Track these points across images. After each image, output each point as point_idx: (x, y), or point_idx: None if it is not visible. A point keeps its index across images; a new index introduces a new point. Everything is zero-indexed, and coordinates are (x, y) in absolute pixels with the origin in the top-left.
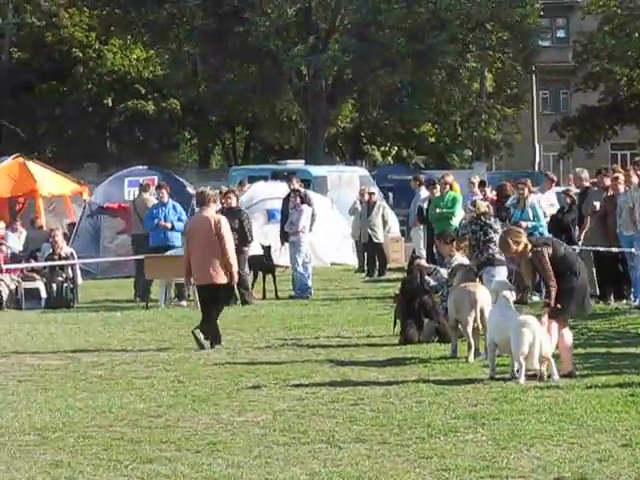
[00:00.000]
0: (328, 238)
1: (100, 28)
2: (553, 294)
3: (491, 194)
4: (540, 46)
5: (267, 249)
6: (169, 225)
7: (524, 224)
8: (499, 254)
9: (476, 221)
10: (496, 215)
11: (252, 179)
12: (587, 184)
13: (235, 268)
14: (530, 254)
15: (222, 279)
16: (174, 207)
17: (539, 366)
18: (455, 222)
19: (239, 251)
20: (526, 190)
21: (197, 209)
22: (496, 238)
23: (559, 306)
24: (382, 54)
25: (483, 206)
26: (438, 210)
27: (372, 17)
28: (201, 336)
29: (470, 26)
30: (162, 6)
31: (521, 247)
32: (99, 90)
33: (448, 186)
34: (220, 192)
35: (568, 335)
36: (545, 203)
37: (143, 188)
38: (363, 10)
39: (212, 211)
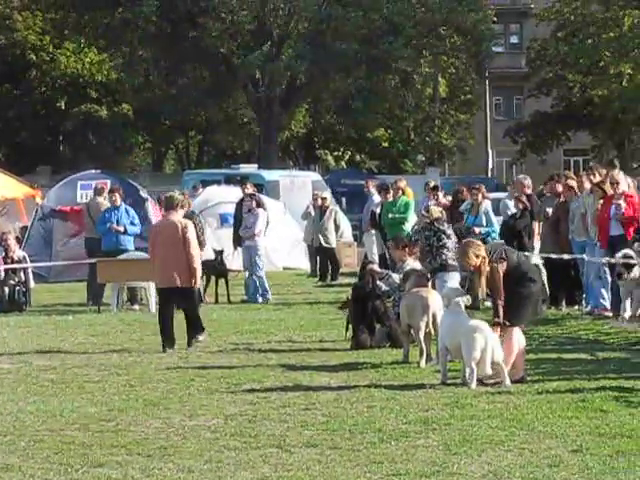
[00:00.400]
0: (281, 243)
1: (54, 32)
2: (501, 311)
3: (444, 199)
4: (493, 52)
5: (219, 253)
6: (122, 229)
7: (477, 230)
8: (452, 260)
9: (429, 227)
10: (450, 220)
11: (205, 183)
12: (529, 191)
13: (199, 272)
14: (486, 269)
15: (185, 282)
16: (127, 211)
17: (491, 371)
18: (407, 227)
19: None
20: (480, 196)
21: (164, 212)
22: (449, 244)
23: (507, 323)
24: (336, 60)
25: (436, 212)
26: (390, 215)
27: (326, 24)
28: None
29: (424, 31)
30: (116, 10)
31: (479, 260)
32: (52, 93)
33: (400, 191)
34: None
35: (521, 340)
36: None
37: (97, 192)
38: (317, 16)
39: (179, 215)
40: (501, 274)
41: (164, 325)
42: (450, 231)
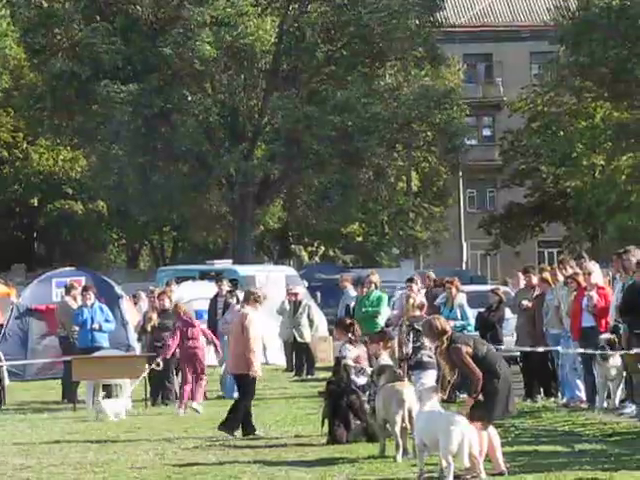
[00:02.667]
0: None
1: (27, 129)
2: (479, 387)
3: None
4: (466, 145)
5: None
6: (97, 326)
7: (452, 323)
8: (428, 357)
9: (408, 326)
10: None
11: (180, 279)
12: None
13: (255, 362)
14: (449, 350)
15: (243, 369)
16: (100, 308)
17: (468, 464)
18: (381, 321)
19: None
20: (454, 289)
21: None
22: (426, 342)
23: (481, 398)
24: (310, 157)
25: (416, 308)
26: (364, 309)
27: (303, 123)
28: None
29: (397, 126)
30: (90, 108)
31: (445, 337)
32: (26, 190)
33: (373, 285)
34: (152, 292)
35: (494, 435)
36: None
37: (67, 290)
38: (293, 116)
39: (248, 308)
40: (464, 354)
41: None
42: None
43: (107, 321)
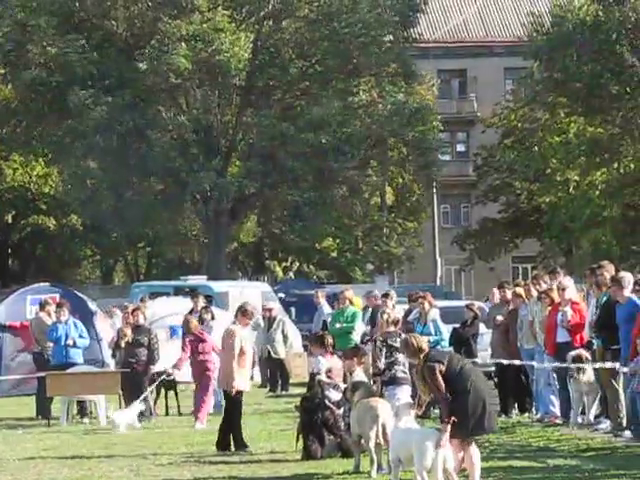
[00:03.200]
0: None
1: (0, 146)
2: (445, 408)
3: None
4: (440, 161)
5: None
6: (71, 342)
7: (425, 339)
8: (402, 372)
9: (382, 342)
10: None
11: (154, 295)
12: (379, 302)
13: (238, 378)
14: (423, 366)
15: (226, 386)
16: (75, 324)
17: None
18: (355, 337)
19: (146, 370)
20: (427, 304)
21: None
22: (400, 358)
23: (454, 419)
24: (284, 173)
25: (390, 324)
26: (338, 325)
27: (279, 141)
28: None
29: (371, 143)
30: (64, 122)
31: (422, 355)
32: None
33: (347, 301)
34: (126, 308)
35: (475, 452)
36: None
37: (41, 307)
38: (269, 133)
39: (236, 324)
40: (438, 373)
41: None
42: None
43: (81, 337)
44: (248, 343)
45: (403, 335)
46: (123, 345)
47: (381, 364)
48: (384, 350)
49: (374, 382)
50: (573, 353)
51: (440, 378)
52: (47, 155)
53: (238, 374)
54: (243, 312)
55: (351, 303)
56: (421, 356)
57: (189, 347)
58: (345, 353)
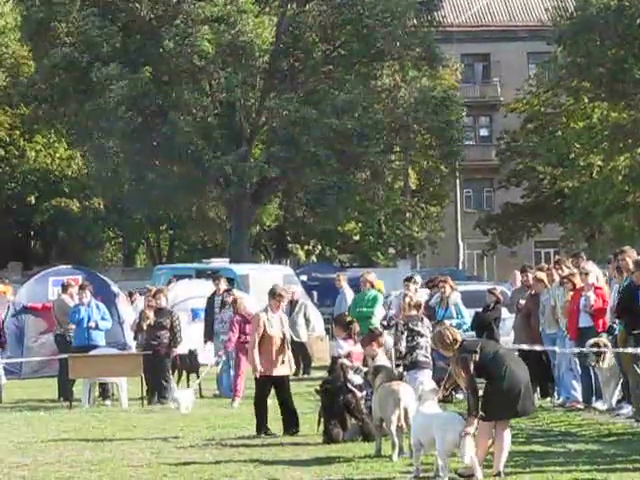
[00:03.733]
0: None
1: (23, 126)
2: (472, 401)
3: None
4: (464, 146)
5: (192, 352)
6: (93, 324)
7: (447, 322)
8: (423, 357)
9: (404, 325)
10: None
11: (176, 278)
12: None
13: (254, 364)
14: (457, 357)
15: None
16: (97, 306)
17: (469, 463)
18: (375, 321)
19: (168, 353)
20: (447, 288)
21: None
22: (422, 342)
23: (482, 414)
24: (307, 158)
25: (412, 308)
26: (358, 309)
27: (300, 126)
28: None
29: (395, 129)
30: (87, 102)
31: (457, 346)
32: (22, 188)
33: (369, 284)
34: (149, 291)
35: (507, 437)
36: None
37: (64, 288)
38: (291, 118)
39: (267, 309)
40: (471, 366)
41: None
42: (423, 329)
43: (104, 319)
44: (276, 326)
45: (437, 328)
46: (145, 328)
47: (402, 348)
48: (405, 334)
49: (397, 366)
50: (591, 341)
51: (472, 370)
52: (70, 137)
53: (263, 359)
54: (272, 295)
55: (372, 286)
56: (455, 347)
57: (237, 327)
58: (363, 339)
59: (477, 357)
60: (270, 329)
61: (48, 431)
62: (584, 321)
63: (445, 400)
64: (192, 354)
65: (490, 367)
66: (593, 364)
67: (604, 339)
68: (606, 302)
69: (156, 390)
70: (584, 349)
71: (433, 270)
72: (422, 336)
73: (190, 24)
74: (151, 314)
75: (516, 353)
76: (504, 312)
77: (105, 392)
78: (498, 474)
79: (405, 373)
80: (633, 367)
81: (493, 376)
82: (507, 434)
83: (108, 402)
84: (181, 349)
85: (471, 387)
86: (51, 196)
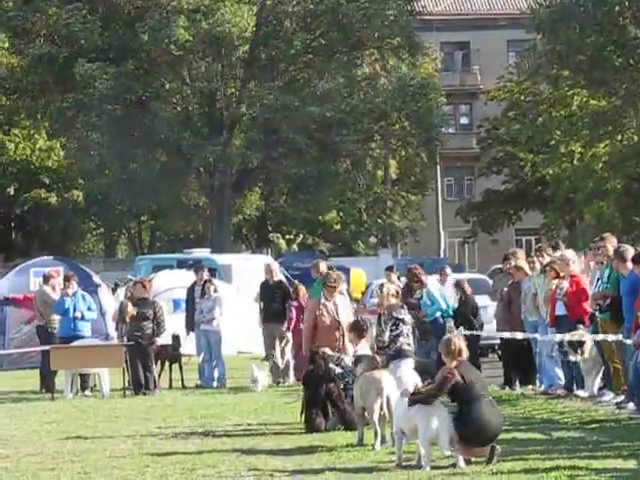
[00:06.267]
0: (234, 327)
1: (3, 118)
2: (425, 396)
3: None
4: (444, 134)
5: (176, 338)
6: (79, 315)
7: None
8: (407, 345)
9: (388, 315)
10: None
11: (158, 268)
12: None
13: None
14: (447, 371)
15: None
16: (83, 297)
17: (449, 452)
18: None
19: (152, 343)
20: (423, 277)
21: None
22: (405, 330)
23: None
24: (287, 146)
25: (390, 297)
26: None
27: (281, 113)
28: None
29: (375, 117)
30: (68, 94)
31: (459, 359)
32: (2, 180)
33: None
34: (131, 282)
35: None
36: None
37: (45, 279)
38: (272, 105)
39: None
40: (449, 382)
41: None
42: (405, 316)
43: (89, 310)
44: (326, 313)
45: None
46: (128, 319)
47: (386, 337)
48: (390, 323)
49: (379, 354)
50: (568, 337)
51: (449, 386)
52: (50, 128)
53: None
54: (324, 283)
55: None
56: (456, 360)
57: (294, 312)
58: (348, 329)
59: (460, 382)
60: (322, 316)
61: (30, 423)
62: (560, 309)
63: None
64: (176, 339)
65: (468, 405)
66: (573, 359)
67: (581, 331)
68: (581, 289)
69: (139, 381)
70: (562, 337)
71: (415, 259)
72: (405, 324)
73: (165, 15)
74: (130, 305)
75: (498, 340)
76: (486, 300)
77: (85, 383)
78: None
79: (390, 363)
80: (615, 354)
81: (468, 415)
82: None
83: (88, 392)
84: (164, 339)
85: (438, 394)
86: (31, 187)
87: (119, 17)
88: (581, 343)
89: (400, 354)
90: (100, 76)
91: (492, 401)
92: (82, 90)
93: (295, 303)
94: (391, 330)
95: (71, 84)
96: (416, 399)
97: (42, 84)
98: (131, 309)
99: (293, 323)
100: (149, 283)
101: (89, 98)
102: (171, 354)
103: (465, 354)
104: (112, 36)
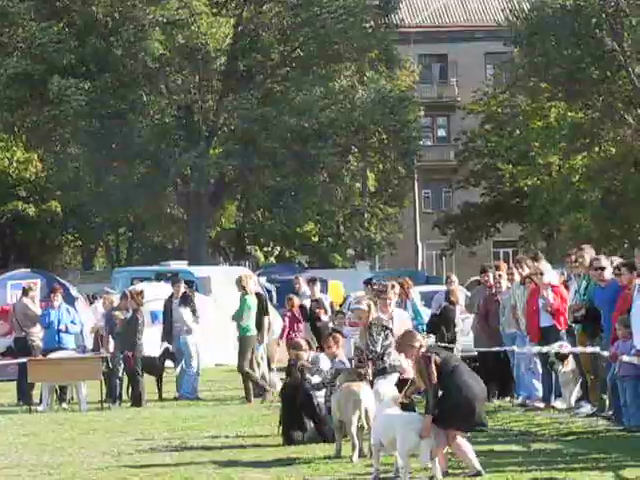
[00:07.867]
0: (212, 339)
1: None
2: (432, 401)
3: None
4: (421, 146)
5: (166, 351)
6: (63, 327)
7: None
8: (397, 361)
9: (376, 325)
10: None
11: (135, 280)
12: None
13: None
14: (420, 356)
15: None
16: (67, 310)
17: (429, 463)
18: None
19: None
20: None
21: None
22: (393, 341)
23: (436, 413)
24: (265, 157)
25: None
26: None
27: (259, 125)
28: None
29: (352, 130)
30: (45, 107)
31: (422, 349)
32: None
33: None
34: (107, 294)
35: (462, 442)
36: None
37: (24, 292)
38: (250, 116)
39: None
40: (433, 364)
41: None
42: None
43: (73, 323)
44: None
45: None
46: (118, 331)
47: (378, 347)
48: (382, 334)
49: (367, 365)
50: (556, 347)
51: (434, 368)
52: (28, 140)
53: None
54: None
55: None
56: (419, 350)
57: (288, 322)
58: (325, 340)
59: (439, 359)
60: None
61: (7, 435)
62: (545, 320)
63: (406, 407)
64: (169, 354)
65: (448, 379)
66: (560, 369)
67: (566, 342)
68: (564, 300)
69: (116, 393)
70: (548, 348)
71: (393, 272)
72: (393, 335)
73: (140, 28)
74: (121, 316)
75: (475, 353)
76: (462, 312)
77: (63, 395)
78: (478, 473)
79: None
80: (593, 366)
81: (450, 388)
82: (461, 439)
83: (65, 405)
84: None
85: (432, 384)
86: (8, 199)
87: (95, 30)
88: (565, 356)
89: (389, 369)
90: (74, 93)
91: (469, 370)
92: (57, 106)
93: (289, 313)
94: (382, 339)
95: (47, 99)
96: (427, 409)
97: (19, 99)
98: (118, 313)
99: (286, 332)
100: (140, 294)
101: (64, 114)
102: (160, 367)
103: (425, 343)
104: (88, 50)
